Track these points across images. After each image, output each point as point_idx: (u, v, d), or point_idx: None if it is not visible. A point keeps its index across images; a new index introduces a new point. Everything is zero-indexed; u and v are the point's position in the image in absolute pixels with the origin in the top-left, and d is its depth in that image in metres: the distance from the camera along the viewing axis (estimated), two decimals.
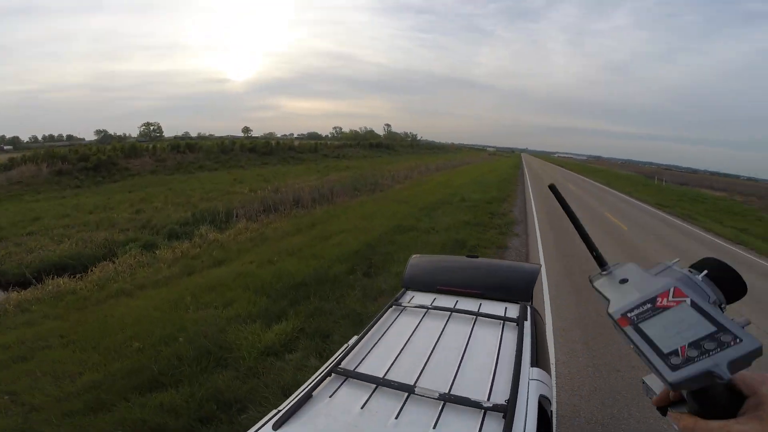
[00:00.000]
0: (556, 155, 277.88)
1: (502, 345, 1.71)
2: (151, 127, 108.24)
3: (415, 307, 2.08)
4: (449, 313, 2.00)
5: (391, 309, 2.09)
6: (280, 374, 3.87)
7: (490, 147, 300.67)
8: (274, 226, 11.98)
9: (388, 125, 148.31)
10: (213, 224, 12.37)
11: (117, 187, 24.08)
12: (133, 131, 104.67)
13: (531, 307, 2.15)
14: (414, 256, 2.75)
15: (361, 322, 4.84)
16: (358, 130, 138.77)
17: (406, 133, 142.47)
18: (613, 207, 18.12)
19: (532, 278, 2.38)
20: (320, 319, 5.07)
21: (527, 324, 1.90)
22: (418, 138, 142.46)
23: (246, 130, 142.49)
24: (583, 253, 9.09)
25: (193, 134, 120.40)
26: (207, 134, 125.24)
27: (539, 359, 1.67)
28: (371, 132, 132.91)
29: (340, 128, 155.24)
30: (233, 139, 56.44)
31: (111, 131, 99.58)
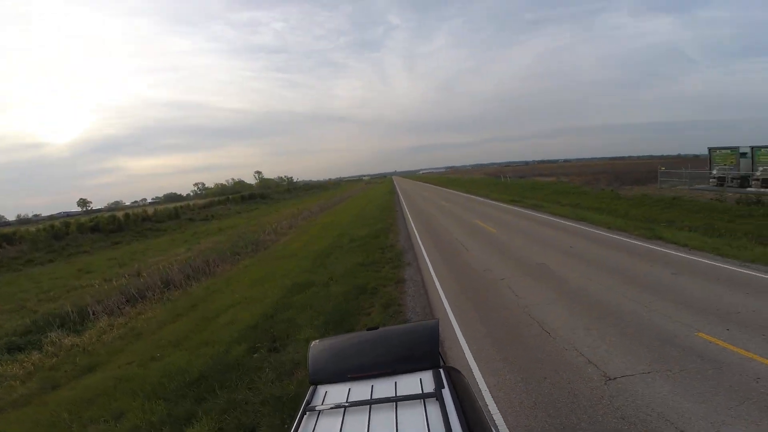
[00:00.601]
0: (420, 172, 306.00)
1: (430, 427, 1.63)
2: None
3: (332, 408, 1.89)
4: (368, 405, 1.85)
5: (305, 416, 1.87)
6: None
7: (365, 176, 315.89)
8: (145, 317, 10.49)
9: (259, 172, 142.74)
10: (65, 328, 10.66)
11: None
12: None
13: (445, 370, 2.05)
14: (314, 343, 2.50)
15: (284, 404, 4.55)
16: (225, 182, 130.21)
17: (281, 178, 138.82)
18: (479, 213, 20.62)
19: (433, 339, 2.27)
20: (237, 412, 4.61)
21: (446, 393, 1.82)
22: (295, 180, 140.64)
23: (83, 202, 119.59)
24: (468, 264, 9.94)
25: (11, 217, 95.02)
26: (30, 215, 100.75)
27: (472, 426, 1.62)
28: (241, 183, 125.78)
29: (203, 184, 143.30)
30: (67, 219, 46.46)
31: None
